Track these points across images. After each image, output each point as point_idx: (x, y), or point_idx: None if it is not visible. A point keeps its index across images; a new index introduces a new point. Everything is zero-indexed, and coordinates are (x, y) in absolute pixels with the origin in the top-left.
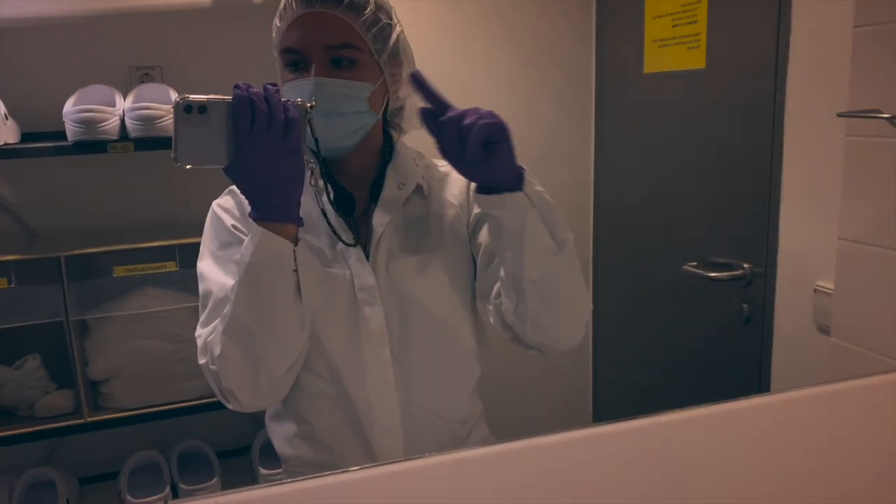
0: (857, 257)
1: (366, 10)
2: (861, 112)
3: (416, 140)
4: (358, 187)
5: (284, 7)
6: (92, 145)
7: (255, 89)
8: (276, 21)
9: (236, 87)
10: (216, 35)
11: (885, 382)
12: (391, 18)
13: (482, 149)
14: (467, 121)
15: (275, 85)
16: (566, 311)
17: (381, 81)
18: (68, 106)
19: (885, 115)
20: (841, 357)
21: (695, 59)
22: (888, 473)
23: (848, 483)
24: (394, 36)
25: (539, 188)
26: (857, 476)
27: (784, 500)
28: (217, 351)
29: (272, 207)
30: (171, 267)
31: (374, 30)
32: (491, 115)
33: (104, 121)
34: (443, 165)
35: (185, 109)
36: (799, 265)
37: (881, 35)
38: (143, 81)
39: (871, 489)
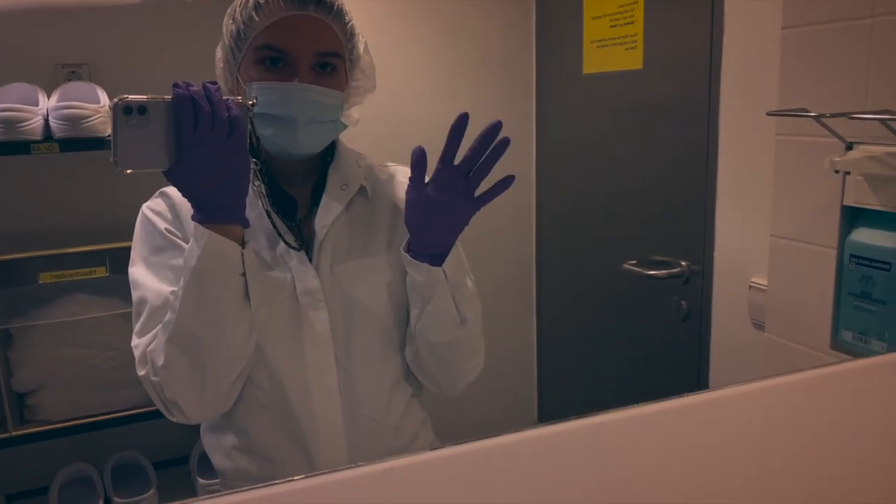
0: (788, 254)
1: (347, 19)
2: (788, 111)
3: (362, 145)
4: (299, 190)
5: (265, 2)
6: (13, 146)
7: (195, 88)
8: (252, 13)
9: (176, 85)
10: (147, 32)
11: (818, 377)
12: (357, 29)
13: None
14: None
15: (215, 83)
16: (455, 372)
17: (347, 88)
18: None
19: (812, 114)
20: (775, 352)
21: (632, 60)
22: (824, 465)
23: (785, 476)
24: (360, 47)
25: (459, 263)
26: (793, 470)
27: (721, 495)
28: (160, 361)
29: (217, 209)
30: (100, 272)
31: (353, 40)
32: None
33: (26, 120)
34: (386, 167)
35: (124, 110)
36: (735, 262)
37: (808, 36)
38: (69, 79)
39: (807, 482)
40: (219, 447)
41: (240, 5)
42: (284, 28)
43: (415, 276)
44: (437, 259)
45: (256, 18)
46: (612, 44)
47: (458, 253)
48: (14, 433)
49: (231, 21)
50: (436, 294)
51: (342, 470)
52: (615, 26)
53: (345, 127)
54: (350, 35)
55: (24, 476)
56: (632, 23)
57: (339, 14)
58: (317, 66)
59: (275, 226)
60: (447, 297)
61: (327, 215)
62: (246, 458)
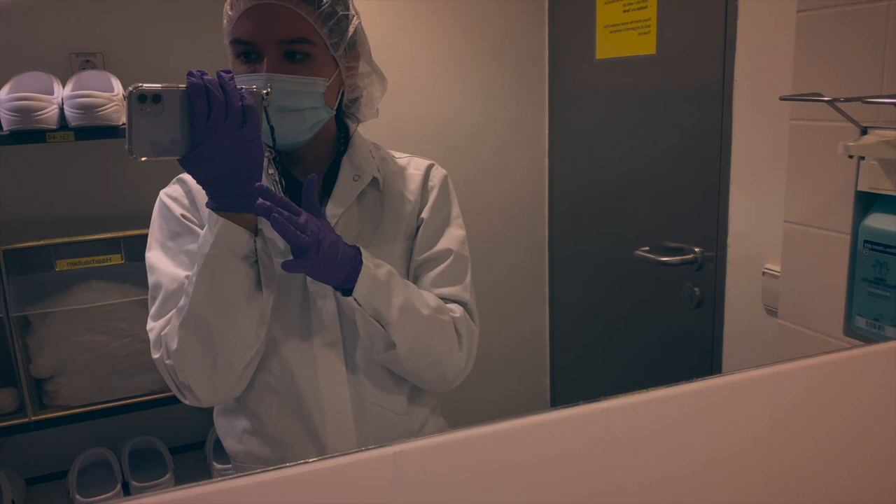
0: (802, 240)
1: (322, 2)
2: (802, 95)
3: (373, 131)
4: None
5: None
6: (29, 135)
7: (209, 76)
8: (227, 9)
9: (190, 74)
10: (161, 20)
11: (829, 363)
12: (348, 9)
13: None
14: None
15: (229, 72)
16: (418, 380)
17: (335, 74)
18: (3, 94)
19: (826, 98)
20: (788, 338)
21: (645, 45)
22: (831, 450)
23: (796, 460)
24: (351, 28)
25: (375, 286)
26: (805, 453)
27: (734, 478)
28: (174, 345)
29: (230, 197)
30: (116, 260)
31: (331, 23)
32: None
33: (41, 109)
34: (400, 158)
35: (139, 99)
36: (748, 248)
37: (823, 20)
38: (83, 68)
39: (815, 467)
40: (231, 431)
41: (226, 2)
42: (248, 19)
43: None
44: (344, 289)
45: (230, 13)
46: (626, 28)
47: (378, 277)
48: (33, 418)
49: (223, 18)
50: (356, 319)
51: (353, 453)
52: (628, 11)
53: (331, 113)
54: (326, 18)
55: (44, 460)
56: (645, 7)
57: None
58: (287, 54)
59: None
60: (368, 321)
61: (338, 205)
62: (257, 441)
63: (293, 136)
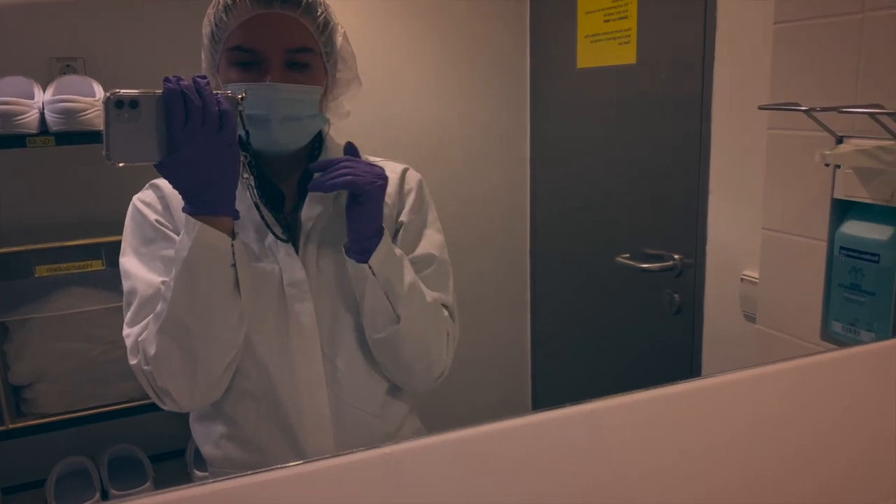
0: (779, 247)
1: (318, 12)
2: (780, 105)
3: (355, 137)
4: (287, 182)
5: (233, 3)
6: (9, 140)
7: (185, 82)
8: (222, 15)
9: (166, 80)
10: (142, 25)
11: (808, 365)
12: (334, 20)
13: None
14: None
15: (205, 77)
16: (406, 368)
17: (325, 83)
18: None
19: (803, 108)
20: (766, 344)
21: (626, 55)
22: (811, 452)
23: (772, 462)
24: (339, 38)
25: (391, 259)
26: (781, 455)
27: (712, 481)
28: (152, 350)
29: (208, 202)
30: (96, 266)
31: (326, 32)
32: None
33: (21, 114)
34: (375, 162)
35: (115, 105)
36: (727, 255)
37: (799, 32)
38: (64, 73)
39: (795, 468)
40: (208, 436)
41: (213, 7)
42: (253, 28)
43: (349, 271)
44: (364, 254)
45: (226, 20)
46: (606, 38)
47: (394, 251)
48: (11, 426)
49: (207, 23)
50: (366, 291)
51: (340, 455)
52: (609, 21)
53: (326, 121)
54: (323, 28)
55: (21, 469)
56: (625, 17)
57: (309, 8)
58: (289, 63)
59: (263, 218)
60: (377, 293)
61: (313, 208)
62: (234, 446)
63: (294, 144)
